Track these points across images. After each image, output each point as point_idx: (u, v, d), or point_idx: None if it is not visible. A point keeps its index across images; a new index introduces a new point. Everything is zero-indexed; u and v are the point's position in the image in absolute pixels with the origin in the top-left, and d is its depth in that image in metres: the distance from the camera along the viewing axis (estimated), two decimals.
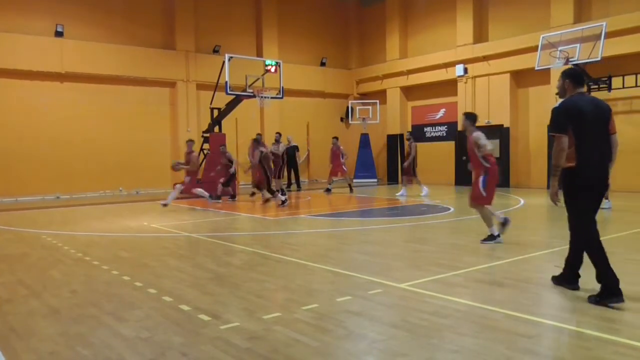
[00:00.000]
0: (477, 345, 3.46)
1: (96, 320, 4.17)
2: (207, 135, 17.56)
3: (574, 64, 14.98)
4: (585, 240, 4.50)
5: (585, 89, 4.72)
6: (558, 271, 4.97)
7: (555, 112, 4.52)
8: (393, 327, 3.86)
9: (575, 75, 4.68)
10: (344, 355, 3.39)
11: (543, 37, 15.64)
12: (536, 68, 15.84)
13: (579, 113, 4.42)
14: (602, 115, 4.51)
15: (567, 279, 4.85)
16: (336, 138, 17.34)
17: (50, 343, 3.68)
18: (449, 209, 11.68)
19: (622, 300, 4.25)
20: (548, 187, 17.50)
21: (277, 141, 14.80)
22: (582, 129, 4.40)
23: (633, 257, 6.25)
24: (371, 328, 3.86)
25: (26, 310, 4.49)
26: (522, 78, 18.20)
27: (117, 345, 3.61)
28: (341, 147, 17.00)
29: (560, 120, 4.46)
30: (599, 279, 4.38)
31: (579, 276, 4.81)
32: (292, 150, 18.64)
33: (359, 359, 3.35)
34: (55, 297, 4.89)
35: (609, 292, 4.29)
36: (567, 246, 4.87)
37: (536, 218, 10.84)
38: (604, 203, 11.72)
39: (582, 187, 4.45)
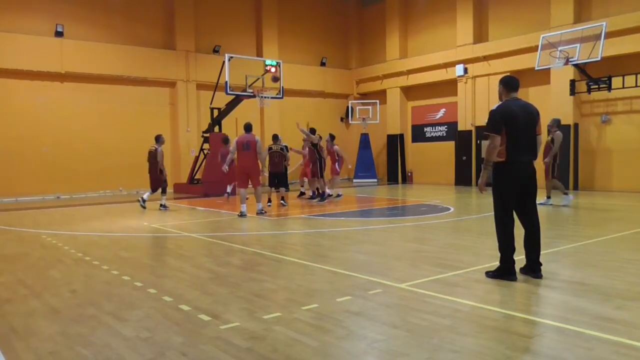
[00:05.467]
0: (477, 345, 3.46)
1: (96, 320, 4.17)
2: (207, 135, 17.57)
3: (573, 64, 15.03)
4: (498, 225, 5.21)
5: (518, 94, 5.32)
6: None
7: (493, 114, 5.16)
8: (393, 327, 3.85)
9: (508, 82, 5.29)
10: (344, 355, 3.39)
11: (543, 37, 15.65)
12: (536, 68, 15.85)
13: (512, 116, 5.06)
14: (531, 119, 5.16)
15: (531, 268, 5.26)
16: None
17: (50, 343, 3.68)
18: (449, 209, 11.67)
19: (514, 280, 5.07)
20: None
21: (225, 141, 13.62)
22: (514, 129, 5.04)
23: (633, 257, 6.25)
24: (371, 328, 3.85)
25: (26, 310, 4.49)
26: (522, 78, 18.06)
27: (117, 345, 3.61)
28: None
29: (496, 122, 5.09)
30: (500, 260, 5.19)
31: (541, 264, 5.24)
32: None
33: (359, 359, 3.35)
34: (55, 297, 4.89)
35: (504, 271, 5.14)
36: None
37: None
38: (563, 199, 11.80)
39: (508, 179, 5.12)
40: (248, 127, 11.44)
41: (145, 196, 12.80)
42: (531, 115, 5.18)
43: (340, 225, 9.60)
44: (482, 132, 19.29)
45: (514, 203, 5.19)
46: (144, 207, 12.58)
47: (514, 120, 5.04)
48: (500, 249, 5.19)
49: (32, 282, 5.54)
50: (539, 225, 5.26)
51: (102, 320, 4.17)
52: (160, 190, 12.79)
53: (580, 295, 4.63)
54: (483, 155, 5.24)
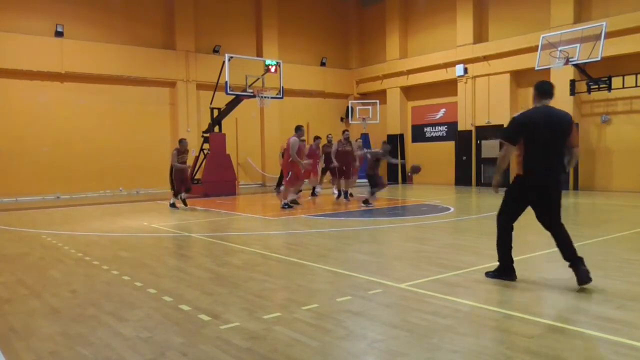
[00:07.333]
0: (477, 345, 3.46)
1: (96, 320, 4.17)
2: (207, 135, 17.57)
3: (573, 64, 15.03)
4: (499, 226, 5.17)
5: (549, 101, 4.98)
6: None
7: (512, 122, 4.96)
8: (393, 327, 3.85)
9: (539, 88, 4.98)
10: (344, 355, 3.39)
11: (543, 37, 15.65)
12: (536, 68, 15.85)
13: (531, 126, 4.80)
14: (558, 128, 4.80)
15: (575, 267, 4.87)
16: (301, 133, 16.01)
17: (50, 343, 3.68)
18: (449, 209, 11.67)
19: (514, 279, 5.09)
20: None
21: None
22: (532, 140, 4.80)
23: (633, 257, 6.25)
24: (371, 328, 3.85)
25: (26, 310, 4.49)
26: (522, 78, 18.21)
27: (117, 345, 3.61)
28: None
29: (513, 131, 4.90)
30: (499, 260, 5.20)
31: (581, 259, 4.86)
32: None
33: (359, 359, 3.35)
34: (55, 297, 4.89)
35: (503, 271, 5.14)
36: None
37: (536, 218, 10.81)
38: None
39: (522, 189, 4.99)
40: (294, 129, 12.29)
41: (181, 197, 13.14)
42: (558, 125, 4.80)
43: (340, 225, 9.60)
44: (481, 132, 19.33)
45: (519, 212, 5.12)
46: (177, 208, 12.81)
47: (533, 131, 4.78)
48: (498, 249, 5.19)
49: (32, 282, 5.54)
50: (565, 238, 4.97)
51: (102, 320, 4.17)
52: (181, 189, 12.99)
53: (580, 295, 4.63)
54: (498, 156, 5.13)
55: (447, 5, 20.22)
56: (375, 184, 12.65)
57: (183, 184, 12.82)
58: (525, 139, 4.82)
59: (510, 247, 5.14)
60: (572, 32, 15.11)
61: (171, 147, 19.31)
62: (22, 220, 11.21)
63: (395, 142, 22.55)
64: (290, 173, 12.12)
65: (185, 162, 12.93)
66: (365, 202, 12.60)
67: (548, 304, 4.51)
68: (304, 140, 13.18)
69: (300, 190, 13.96)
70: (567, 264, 4.95)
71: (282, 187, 13.10)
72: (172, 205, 12.88)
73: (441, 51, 20.32)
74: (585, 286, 4.79)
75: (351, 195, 14.37)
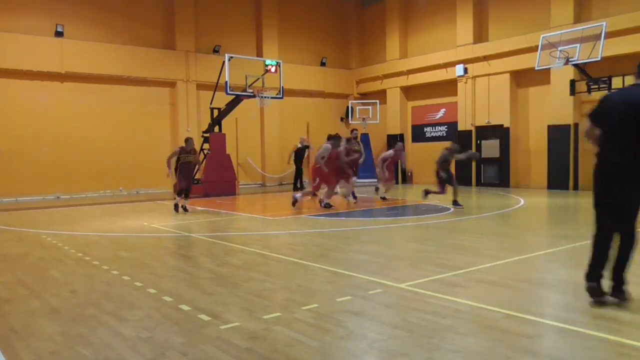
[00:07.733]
0: (477, 345, 3.46)
1: (96, 320, 4.17)
2: (207, 135, 17.58)
3: (573, 64, 15.02)
4: (594, 230, 4.61)
5: None
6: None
7: (599, 100, 4.63)
8: (393, 327, 3.86)
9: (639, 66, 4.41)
10: (344, 355, 3.39)
11: (543, 37, 15.64)
12: (536, 68, 15.84)
13: (607, 107, 4.49)
14: (633, 105, 4.26)
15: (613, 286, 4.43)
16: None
17: (50, 343, 3.68)
18: (449, 209, 11.67)
19: (598, 298, 4.29)
20: (548, 187, 17.55)
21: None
22: (606, 125, 4.46)
23: (633, 257, 6.24)
24: (371, 328, 3.86)
25: (26, 310, 4.49)
26: (522, 78, 18.20)
27: (117, 345, 3.61)
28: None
29: (595, 108, 4.63)
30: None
31: (622, 283, 4.44)
32: (302, 151, 18.54)
33: (359, 359, 3.35)
34: (55, 297, 4.89)
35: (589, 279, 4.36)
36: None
37: (536, 218, 10.83)
38: None
39: (597, 185, 4.60)
40: (330, 137, 12.51)
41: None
42: (636, 102, 4.24)
43: (340, 225, 9.60)
44: (481, 132, 19.34)
45: (606, 203, 4.54)
46: (178, 211, 12.06)
47: (607, 114, 4.44)
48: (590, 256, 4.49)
49: (32, 282, 5.54)
50: (628, 252, 4.42)
51: (102, 320, 4.17)
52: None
53: (580, 295, 4.62)
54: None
55: (447, 5, 20.21)
56: (450, 184, 12.53)
57: (185, 182, 12.21)
58: (604, 118, 4.50)
59: (602, 258, 4.39)
60: (572, 32, 15.10)
61: (171, 147, 19.35)
62: (22, 220, 11.21)
63: (395, 142, 22.52)
64: (317, 179, 11.99)
65: (190, 162, 12.23)
66: (455, 203, 12.17)
67: (548, 304, 4.51)
68: (352, 143, 13.17)
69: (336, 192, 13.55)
70: (611, 283, 4.38)
71: (302, 191, 12.90)
72: (175, 207, 12.11)
73: (441, 51, 20.31)
74: (585, 286, 4.71)
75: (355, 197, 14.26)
